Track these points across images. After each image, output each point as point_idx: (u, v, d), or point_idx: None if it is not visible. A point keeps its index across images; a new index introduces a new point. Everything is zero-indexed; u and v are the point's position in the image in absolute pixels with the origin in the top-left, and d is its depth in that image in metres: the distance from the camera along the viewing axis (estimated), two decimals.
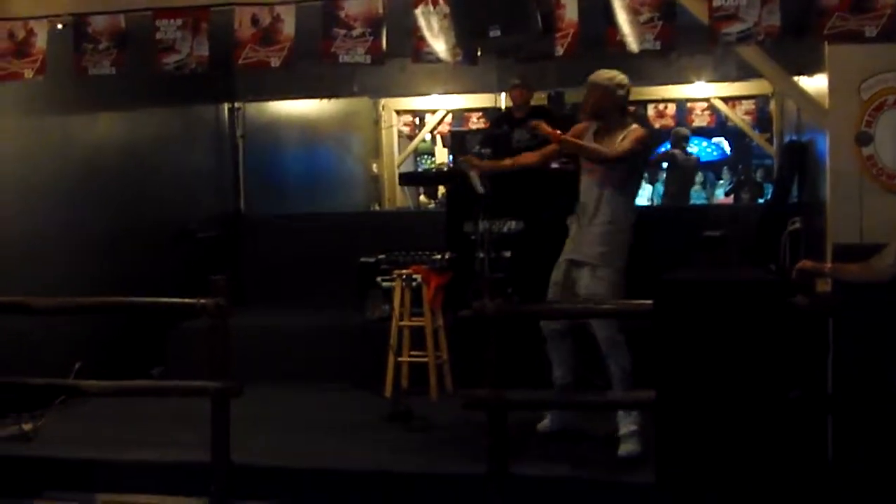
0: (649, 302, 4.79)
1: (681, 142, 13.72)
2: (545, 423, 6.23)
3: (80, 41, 6.06)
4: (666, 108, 13.00)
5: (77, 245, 7.54)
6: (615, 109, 5.97)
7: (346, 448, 6.19)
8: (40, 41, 6.12)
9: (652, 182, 15.72)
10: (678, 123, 13.48)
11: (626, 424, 5.84)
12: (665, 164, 14.02)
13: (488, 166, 6.47)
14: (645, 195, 14.69)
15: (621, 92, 5.99)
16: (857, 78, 5.26)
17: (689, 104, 13.07)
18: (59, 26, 6.12)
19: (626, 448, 5.79)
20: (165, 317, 7.91)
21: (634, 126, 5.95)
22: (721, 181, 18.27)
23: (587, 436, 6.16)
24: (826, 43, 5.29)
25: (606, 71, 6.00)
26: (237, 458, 5.77)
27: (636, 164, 5.99)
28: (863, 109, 5.25)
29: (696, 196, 17.29)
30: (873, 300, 4.84)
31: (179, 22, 5.92)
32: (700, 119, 13.28)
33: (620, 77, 5.99)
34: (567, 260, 6.00)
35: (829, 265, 5.08)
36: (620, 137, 5.86)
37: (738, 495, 4.58)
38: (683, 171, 13.83)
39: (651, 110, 13.01)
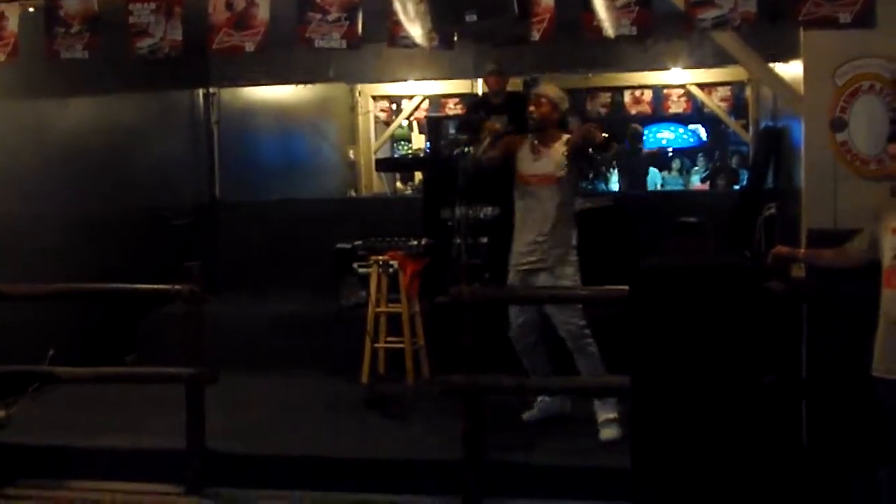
0: (624, 288, 4.79)
1: (633, 139, 13.88)
2: (533, 413, 6.24)
3: (51, 24, 6.00)
4: (642, 94, 13.01)
5: (51, 231, 7.48)
6: (556, 123, 6.08)
7: (322, 434, 6.19)
8: (11, 24, 6.06)
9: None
10: (654, 110, 13.51)
11: (605, 413, 5.90)
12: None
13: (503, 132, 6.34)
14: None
15: (565, 106, 6.15)
16: (832, 64, 5.27)
17: (665, 90, 13.08)
18: (31, 9, 6.04)
19: (607, 433, 5.84)
20: (140, 303, 7.86)
21: (567, 136, 6.04)
22: (697, 167, 18.30)
23: (573, 421, 6.19)
24: (801, 29, 5.29)
25: (553, 86, 6.18)
26: (212, 445, 5.76)
27: (580, 165, 6.14)
28: (837, 95, 5.26)
29: (673, 182, 17.34)
30: (847, 285, 4.86)
31: (153, 6, 5.87)
32: (676, 105, 13.29)
33: (563, 93, 6.17)
34: (520, 272, 6.05)
35: (803, 251, 5.10)
36: (558, 145, 5.99)
37: (714, 480, 4.60)
38: (635, 165, 14.01)
39: (627, 96, 13.02)
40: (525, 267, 6.03)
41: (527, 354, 6.13)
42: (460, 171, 6.22)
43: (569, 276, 5.97)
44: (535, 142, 6.06)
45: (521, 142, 6.14)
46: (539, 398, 6.24)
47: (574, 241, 6.05)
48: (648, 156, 14.79)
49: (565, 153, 5.94)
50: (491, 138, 6.16)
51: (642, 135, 14.37)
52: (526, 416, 6.26)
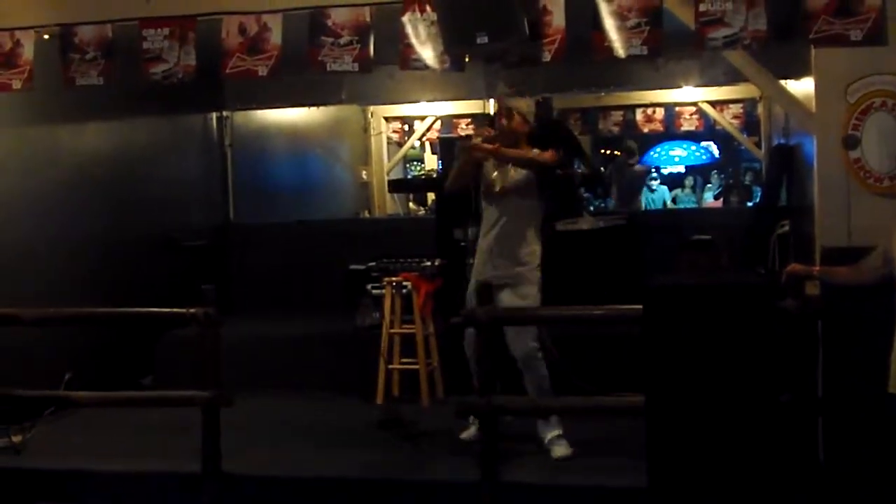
0: (638, 307, 4.79)
1: (628, 155, 13.92)
2: (470, 432, 6.19)
3: (67, 51, 6.05)
4: (654, 112, 13.02)
5: (66, 255, 7.53)
6: (525, 136, 6.06)
7: (337, 456, 6.18)
8: (27, 52, 6.11)
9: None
10: (666, 128, 13.53)
11: (550, 431, 5.92)
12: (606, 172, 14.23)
13: (496, 151, 6.06)
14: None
15: (531, 119, 6.13)
16: (844, 81, 5.28)
17: (677, 108, 13.09)
18: (46, 36, 6.10)
19: (559, 451, 5.85)
20: (155, 326, 7.89)
21: (535, 150, 6.01)
22: (710, 185, 18.30)
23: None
24: (812, 47, 5.30)
25: (524, 100, 6.14)
26: (228, 468, 5.76)
27: (546, 181, 6.06)
28: (849, 113, 5.26)
29: (686, 200, 17.31)
30: (862, 303, 4.85)
31: (166, 31, 5.91)
32: (688, 123, 13.31)
33: (531, 106, 6.18)
34: (482, 283, 5.94)
35: (817, 268, 5.08)
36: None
37: (730, 499, 4.58)
38: (630, 180, 14.00)
39: (640, 115, 13.03)
40: (486, 279, 5.95)
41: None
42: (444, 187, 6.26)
43: (531, 297, 5.93)
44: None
45: (478, 168, 6.11)
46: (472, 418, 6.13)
47: (538, 260, 5.99)
48: (642, 173, 14.79)
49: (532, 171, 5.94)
50: (462, 164, 6.13)
51: (635, 150, 14.40)
52: (464, 435, 6.23)
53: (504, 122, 6.04)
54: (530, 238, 5.98)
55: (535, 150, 5.99)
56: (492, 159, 6.03)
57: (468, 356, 6.09)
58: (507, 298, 5.92)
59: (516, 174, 5.98)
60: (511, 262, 5.95)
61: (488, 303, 5.58)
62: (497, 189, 6.02)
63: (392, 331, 7.37)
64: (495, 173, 6.05)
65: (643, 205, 14.14)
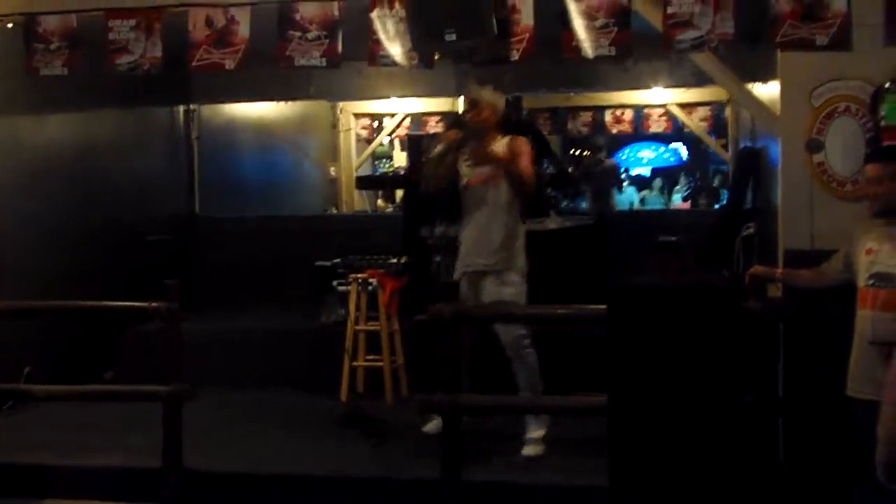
0: (603, 307, 4.80)
1: (597, 150, 13.94)
2: (433, 425, 6.16)
3: (30, 41, 5.99)
4: (623, 113, 13.04)
5: (28, 248, 7.44)
6: (495, 126, 6.09)
7: (300, 453, 6.16)
8: None
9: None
10: (635, 129, 13.56)
11: (534, 429, 5.92)
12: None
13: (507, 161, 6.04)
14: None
15: (501, 108, 6.16)
16: (809, 85, 5.30)
17: (645, 110, 13.13)
18: (9, 25, 6.03)
19: (531, 450, 5.88)
20: (118, 320, 7.83)
21: (508, 137, 6.06)
22: (678, 187, 18.41)
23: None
24: (778, 50, 5.34)
25: (488, 90, 6.14)
26: (190, 464, 5.72)
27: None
28: (814, 116, 5.30)
29: (654, 201, 17.41)
30: (823, 306, 4.89)
31: (132, 23, 5.87)
32: (657, 125, 13.33)
33: (501, 98, 6.17)
34: (468, 273, 6.04)
35: (780, 270, 5.12)
36: (499, 146, 6.01)
37: (691, 499, 4.60)
38: (602, 177, 14.01)
39: (608, 116, 13.05)
40: (470, 269, 6.04)
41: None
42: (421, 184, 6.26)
43: (514, 284, 5.96)
44: (476, 146, 6.04)
45: (462, 152, 6.12)
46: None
47: (520, 246, 6.03)
48: (612, 168, 14.80)
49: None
50: (448, 145, 6.12)
51: (602, 147, 14.42)
52: (426, 428, 6.24)
53: (470, 115, 6.05)
54: (510, 225, 6.00)
55: (506, 139, 6.02)
56: (468, 149, 6.04)
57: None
58: (490, 287, 5.95)
59: (482, 167, 5.99)
60: (492, 250, 5.96)
61: (453, 300, 5.58)
62: (471, 180, 6.05)
63: (357, 328, 7.35)
64: (465, 167, 6.07)
65: (615, 204, 14.18)
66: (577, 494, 5.35)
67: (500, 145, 6.03)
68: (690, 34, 5.33)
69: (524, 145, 6.07)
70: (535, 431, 5.93)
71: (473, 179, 6.04)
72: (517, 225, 6.05)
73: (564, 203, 11.23)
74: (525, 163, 5.98)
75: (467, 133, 6.08)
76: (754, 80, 6.38)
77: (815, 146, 5.31)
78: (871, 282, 4.39)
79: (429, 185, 6.22)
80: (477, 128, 6.03)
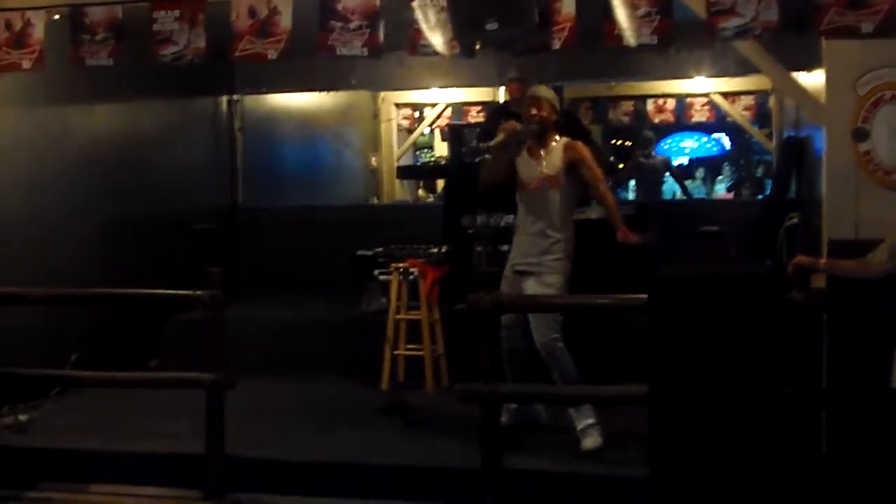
0: (644, 296, 4.78)
1: (644, 144, 13.79)
2: (503, 419, 6.10)
3: (77, 32, 6.04)
4: (665, 102, 12.97)
5: (74, 236, 7.56)
6: (554, 125, 6.09)
7: (341, 440, 6.20)
8: (38, 32, 6.10)
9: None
10: (677, 119, 13.47)
11: (582, 419, 5.87)
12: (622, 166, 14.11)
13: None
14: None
15: (558, 107, 6.16)
16: (854, 73, 5.24)
17: (688, 99, 13.04)
18: (56, 17, 6.10)
19: (589, 442, 5.81)
20: (162, 308, 7.91)
21: (566, 140, 6.06)
22: (721, 177, 18.23)
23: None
24: (823, 38, 5.28)
25: (546, 88, 6.18)
26: (231, 451, 5.78)
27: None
28: (860, 105, 5.24)
29: (697, 191, 17.26)
30: (868, 296, 4.84)
31: (177, 13, 5.89)
32: (699, 114, 13.24)
33: (555, 95, 6.20)
34: (514, 271, 6.04)
35: (824, 261, 5.07)
36: (557, 148, 6.02)
37: (733, 490, 4.58)
38: (651, 173, 13.89)
39: (650, 105, 12.99)
40: (517, 267, 6.04)
41: (510, 361, 6.05)
42: (480, 180, 6.24)
43: (554, 286, 5.92)
44: (535, 146, 6.05)
45: (521, 142, 6.10)
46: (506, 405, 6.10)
47: (568, 248, 6.00)
48: (662, 162, 14.67)
49: (564, 160, 5.97)
50: (507, 137, 6.06)
51: (653, 140, 14.26)
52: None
53: (535, 112, 6.02)
54: (561, 228, 5.99)
55: (564, 139, 6.05)
56: (525, 151, 6.05)
57: (502, 354, 6.01)
58: (530, 286, 5.95)
59: (548, 169, 5.99)
60: (538, 252, 5.97)
61: (492, 289, 5.59)
62: (529, 182, 6.04)
63: (398, 317, 7.38)
64: (531, 167, 6.05)
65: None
66: (618, 484, 5.34)
67: (558, 147, 6.02)
68: (734, 22, 5.27)
69: (584, 150, 6.08)
70: (585, 421, 5.86)
71: (533, 183, 6.02)
72: (570, 230, 6.04)
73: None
74: (596, 169, 6.05)
75: (529, 130, 6.05)
76: (798, 69, 6.32)
77: (860, 135, 5.24)
78: None
79: (487, 183, 6.19)
80: (539, 125, 6.02)
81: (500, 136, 6.06)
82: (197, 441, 5.75)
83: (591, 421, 5.86)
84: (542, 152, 6.05)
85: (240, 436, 5.87)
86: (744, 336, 4.57)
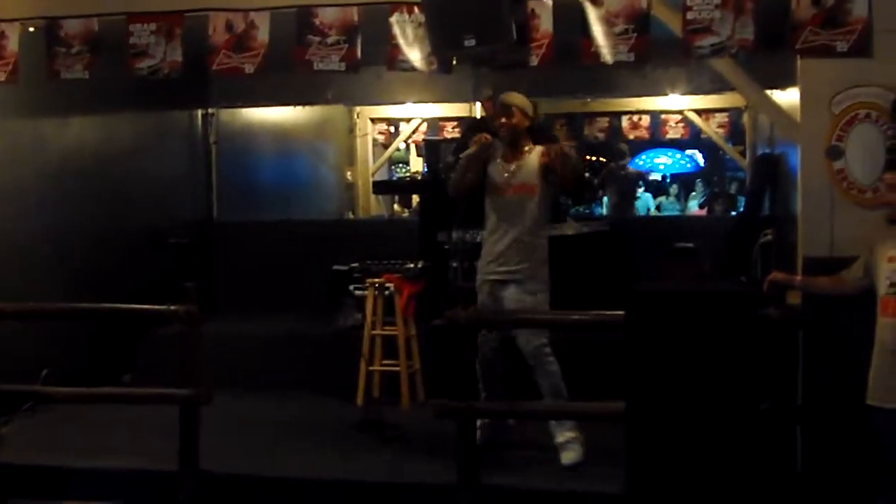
0: (620, 313, 4.79)
1: (619, 157, 13.87)
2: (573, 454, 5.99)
3: (52, 44, 6.02)
4: (640, 119, 13.04)
5: (48, 250, 7.48)
6: (526, 132, 6.03)
7: (316, 457, 6.17)
8: (12, 44, 6.08)
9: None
10: (651, 135, 13.55)
11: (563, 433, 5.85)
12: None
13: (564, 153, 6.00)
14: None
15: (531, 113, 6.11)
16: (829, 92, 5.29)
17: (663, 116, 13.13)
18: (31, 29, 6.07)
19: (569, 457, 5.79)
20: (136, 323, 7.84)
21: (539, 147, 6.00)
22: (695, 193, 18.36)
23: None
24: (798, 57, 5.32)
25: (519, 95, 6.06)
26: (206, 466, 5.73)
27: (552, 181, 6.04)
28: (834, 123, 5.29)
29: (670, 208, 17.37)
30: (843, 313, 4.87)
31: (153, 27, 5.90)
32: (674, 131, 13.34)
33: (528, 102, 6.10)
34: (490, 281, 5.97)
35: (799, 278, 5.11)
36: (531, 155, 5.95)
37: None
38: (623, 185, 13.97)
39: (625, 122, 13.06)
40: (493, 277, 5.96)
41: (485, 364, 5.98)
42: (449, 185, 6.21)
43: (537, 293, 5.89)
44: (509, 153, 5.99)
45: (492, 155, 6.04)
46: (479, 422, 5.97)
47: (545, 256, 5.97)
48: (636, 176, 14.74)
49: (540, 166, 5.90)
50: (480, 149, 6.00)
51: (626, 153, 14.35)
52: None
53: (504, 119, 5.97)
54: (538, 234, 5.95)
55: (538, 147, 5.98)
56: (499, 155, 6.00)
57: (479, 358, 5.97)
58: (512, 295, 5.88)
59: (526, 175, 5.93)
60: (517, 260, 5.90)
61: (469, 305, 5.58)
62: (503, 188, 5.97)
63: (374, 332, 7.35)
64: (504, 174, 5.98)
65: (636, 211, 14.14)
66: (594, 500, 5.34)
67: (533, 154, 5.97)
68: (710, 40, 5.32)
69: (563, 149, 6.01)
70: (565, 434, 5.84)
71: (508, 190, 5.95)
72: (545, 236, 6.00)
73: (579, 209, 11.23)
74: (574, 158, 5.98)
75: (499, 138, 6.01)
76: (773, 87, 6.36)
77: (835, 153, 5.29)
78: (892, 290, 4.38)
79: (456, 190, 6.16)
80: (509, 132, 5.97)
81: (471, 148, 6.04)
82: (171, 457, 5.70)
83: (571, 435, 5.83)
84: (515, 159, 5.98)
85: (214, 452, 5.82)
86: (720, 352, 4.57)
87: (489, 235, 6.06)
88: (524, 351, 5.86)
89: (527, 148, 6.00)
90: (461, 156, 6.11)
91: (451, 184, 6.20)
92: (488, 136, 6.08)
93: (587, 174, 11.11)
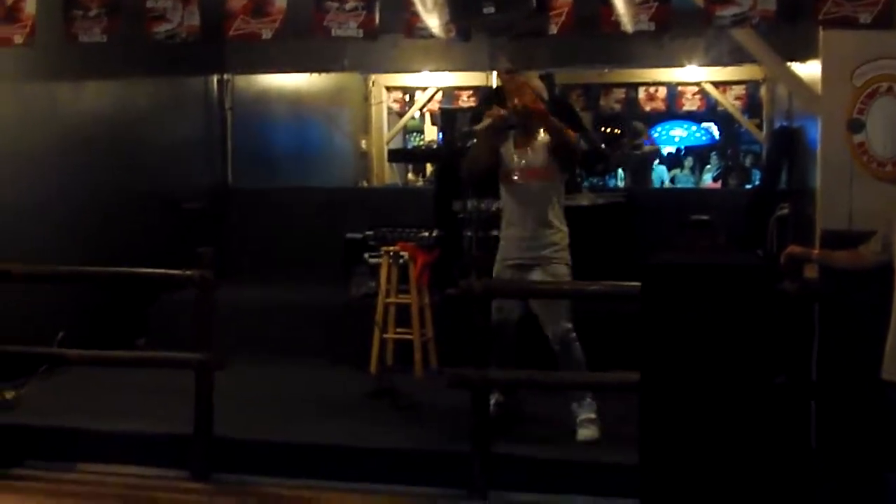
0: (636, 284, 4.78)
1: (635, 135, 13.79)
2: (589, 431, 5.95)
3: (70, 7, 5.99)
4: (657, 91, 12.98)
5: (63, 213, 7.50)
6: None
7: (329, 424, 6.19)
8: (29, 6, 6.04)
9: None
10: (668, 107, 13.49)
11: (583, 412, 5.82)
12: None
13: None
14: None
15: (545, 96, 6.03)
16: (851, 64, 5.23)
17: (679, 88, 13.05)
18: None
19: (586, 434, 5.76)
20: (151, 287, 7.87)
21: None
22: (709, 166, 18.29)
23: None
24: (820, 29, 5.27)
25: (532, 74, 6.05)
26: (219, 431, 5.76)
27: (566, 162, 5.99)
28: (855, 96, 5.23)
29: (684, 180, 17.30)
30: (860, 288, 4.84)
31: None
32: (690, 103, 13.26)
33: (541, 82, 6.06)
34: (512, 266, 5.92)
35: (816, 251, 5.07)
36: (544, 139, 5.88)
37: (722, 480, 4.59)
38: (638, 162, 13.91)
39: (642, 93, 13.00)
40: (515, 261, 5.91)
41: (498, 335, 5.83)
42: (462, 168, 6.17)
43: (561, 275, 5.85)
44: (521, 136, 5.92)
45: (505, 136, 5.98)
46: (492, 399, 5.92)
47: (566, 239, 5.92)
48: (652, 153, 14.65)
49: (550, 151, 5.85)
50: (493, 121, 5.93)
51: (643, 130, 14.28)
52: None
53: (517, 99, 5.87)
54: (556, 220, 5.90)
55: (539, 137, 5.90)
56: (511, 142, 5.94)
57: (495, 323, 5.84)
58: (538, 277, 5.85)
59: (537, 158, 5.87)
60: (540, 246, 5.86)
61: (483, 274, 5.58)
62: (516, 175, 5.91)
63: (388, 300, 7.36)
64: (515, 158, 5.92)
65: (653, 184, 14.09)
66: (608, 470, 5.35)
67: (545, 138, 5.88)
68: (731, 10, 5.26)
69: (571, 132, 5.97)
70: (585, 414, 5.80)
71: (526, 175, 5.88)
72: (562, 218, 5.93)
73: (593, 181, 11.20)
74: (574, 139, 5.90)
75: (513, 117, 5.91)
76: (793, 59, 6.31)
77: (856, 126, 5.24)
78: None
79: (470, 172, 6.12)
80: (522, 113, 5.86)
81: (485, 121, 5.99)
82: (185, 421, 5.73)
83: (591, 416, 5.80)
84: (528, 144, 5.92)
85: (227, 417, 5.85)
86: (735, 326, 4.57)
87: (508, 222, 6.01)
88: (550, 336, 5.81)
89: (539, 133, 5.93)
90: (475, 128, 6.06)
91: (465, 166, 6.16)
92: (500, 110, 6.00)
93: (603, 146, 11.11)
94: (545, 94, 6.06)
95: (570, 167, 6.01)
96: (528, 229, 5.89)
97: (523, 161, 5.91)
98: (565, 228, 5.95)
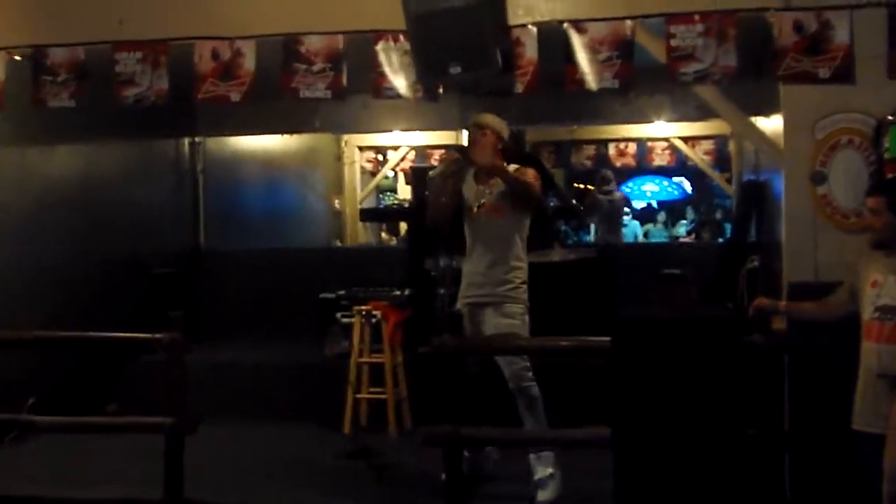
0: (606, 339, 4.78)
1: (603, 183, 13.87)
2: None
3: (38, 73, 6.02)
4: (627, 146, 13.11)
5: (33, 278, 7.45)
6: (500, 153, 5.93)
7: (303, 486, 6.13)
8: None
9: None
10: (638, 163, 13.59)
11: (542, 468, 5.78)
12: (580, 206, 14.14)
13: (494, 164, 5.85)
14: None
15: (506, 135, 6.04)
16: (812, 118, 5.33)
17: (649, 143, 13.18)
18: (17, 58, 6.07)
19: (546, 494, 5.72)
20: (121, 352, 7.81)
21: (515, 166, 5.93)
22: (684, 221, 18.43)
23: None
24: (781, 84, 5.36)
25: (492, 115, 6.00)
26: (191, 496, 5.68)
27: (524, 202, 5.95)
28: (817, 149, 5.32)
29: (658, 235, 17.40)
30: (828, 338, 4.87)
31: (139, 55, 5.90)
32: (660, 158, 13.39)
33: (503, 122, 6.02)
34: (468, 304, 5.91)
35: (784, 303, 5.10)
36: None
37: None
38: (609, 211, 13.96)
39: (612, 149, 13.12)
40: (471, 300, 5.91)
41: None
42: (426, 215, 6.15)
43: (515, 315, 5.82)
44: (482, 173, 5.92)
45: (465, 175, 5.98)
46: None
47: (524, 278, 5.88)
48: (622, 200, 14.70)
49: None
50: (447, 166, 5.96)
51: (611, 178, 14.36)
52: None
53: (475, 138, 5.90)
54: (514, 256, 5.86)
55: (512, 166, 5.90)
56: (469, 179, 5.95)
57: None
58: (490, 318, 5.84)
59: (496, 196, 5.86)
60: (493, 283, 5.84)
61: (458, 332, 5.57)
62: (475, 209, 5.91)
63: (360, 360, 7.33)
64: (475, 193, 5.93)
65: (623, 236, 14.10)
66: None
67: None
68: (693, 66, 5.36)
69: (531, 172, 5.95)
70: (544, 471, 5.77)
71: (486, 208, 5.89)
72: (522, 257, 5.92)
73: (570, 237, 11.27)
74: (532, 181, 5.87)
75: (466, 156, 5.93)
76: (757, 114, 6.40)
77: (818, 178, 5.32)
78: (877, 314, 4.37)
79: (432, 217, 6.11)
80: (480, 153, 5.86)
81: (439, 167, 6.03)
82: (156, 486, 5.65)
83: (550, 471, 5.76)
84: (488, 180, 5.92)
85: (199, 480, 5.78)
86: (706, 378, 4.57)
87: (467, 257, 6.03)
88: (506, 374, 5.80)
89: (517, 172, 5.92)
90: (430, 174, 6.08)
91: (429, 215, 6.14)
92: (453, 153, 6.04)
93: (574, 202, 11.19)
94: (505, 133, 6.03)
95: (526, 209, 6.00)
96: (482, 264, 5.87)
97: (482, 198, 5.91)
98: (524, 265, 5.91)
